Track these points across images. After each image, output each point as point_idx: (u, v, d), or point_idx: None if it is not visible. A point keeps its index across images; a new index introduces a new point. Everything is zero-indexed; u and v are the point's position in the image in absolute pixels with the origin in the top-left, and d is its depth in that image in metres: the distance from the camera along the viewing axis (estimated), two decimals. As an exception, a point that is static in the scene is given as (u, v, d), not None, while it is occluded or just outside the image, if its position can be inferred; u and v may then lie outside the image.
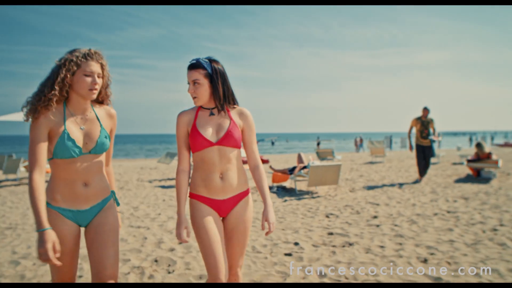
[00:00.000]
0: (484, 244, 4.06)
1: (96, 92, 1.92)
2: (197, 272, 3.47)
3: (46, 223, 1.72)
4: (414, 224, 5.02)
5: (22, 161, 11.15)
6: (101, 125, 2.00)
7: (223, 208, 2.12)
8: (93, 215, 2.00)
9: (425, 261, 3.60)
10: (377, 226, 4.98)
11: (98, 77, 1.92)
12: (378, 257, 3.75)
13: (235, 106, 2.16)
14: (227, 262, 2.08)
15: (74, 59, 1.85)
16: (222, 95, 2.07)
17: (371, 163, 15.47)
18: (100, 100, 2.07)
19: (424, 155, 8.99)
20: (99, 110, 2.04)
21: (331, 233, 4.68)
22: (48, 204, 1.90)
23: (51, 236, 1.71)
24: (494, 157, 9.31)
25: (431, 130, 9.07)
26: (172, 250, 4.12)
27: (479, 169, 9.34)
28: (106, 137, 1.99)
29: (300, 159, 8.71)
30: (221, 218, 2.17)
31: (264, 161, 15.54)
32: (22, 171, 11.48)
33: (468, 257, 3.65)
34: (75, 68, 1.85)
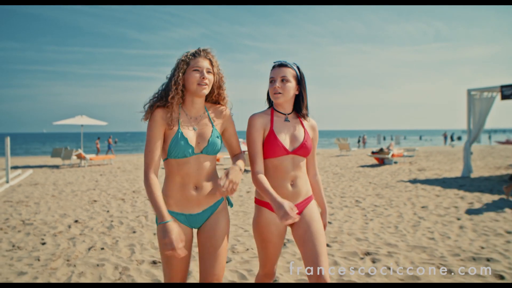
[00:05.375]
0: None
1: (206, 88, 1.91)
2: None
3: (167, 216, 1.78)
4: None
5: (74, 151, 16.08)
6: (212, 125, 1.98)
7: None
8: (205, 218, 1.98)
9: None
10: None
11: (208, 72, 1.92)
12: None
13: (306, 115, 2.15)
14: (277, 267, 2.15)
15: (184, 58, 1.91)
16: (306, 101, 2.11)
17: (339, 156, 19.36)
18: (214, 100, 2.06)
19: None
20: (212, 111, 2.03)
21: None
22: None
23: (175, 227, 1.76)
24: (395, 151, 13.21)
25: None
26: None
27: (383, 159, 13.18)
28: (217, 137, 1.97)
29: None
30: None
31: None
32: (73, 159, 16.28)
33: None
34: (185, 66, 1.89)
